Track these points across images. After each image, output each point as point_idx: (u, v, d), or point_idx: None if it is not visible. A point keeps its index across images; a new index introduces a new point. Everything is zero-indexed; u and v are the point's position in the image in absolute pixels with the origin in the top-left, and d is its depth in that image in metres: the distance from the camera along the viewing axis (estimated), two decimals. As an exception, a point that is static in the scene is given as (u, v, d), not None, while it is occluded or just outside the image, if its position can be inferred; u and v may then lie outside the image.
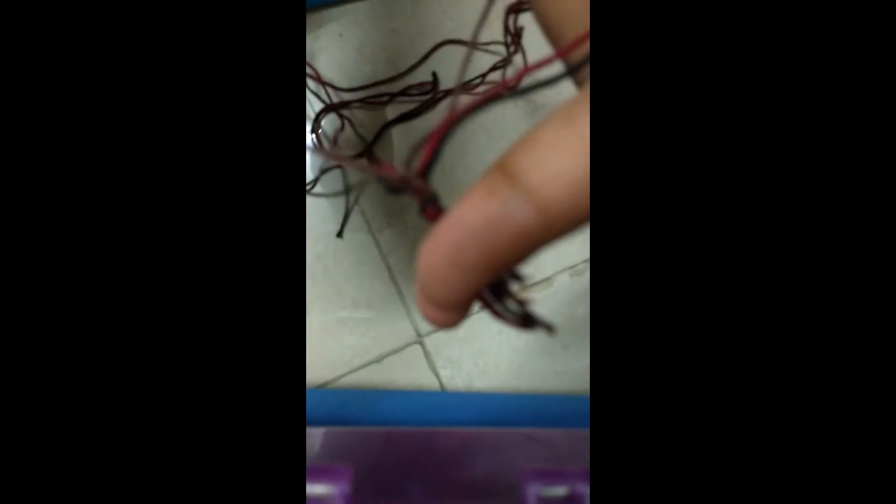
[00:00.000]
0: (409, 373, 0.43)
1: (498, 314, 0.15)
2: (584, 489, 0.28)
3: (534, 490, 0.28)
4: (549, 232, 0.13)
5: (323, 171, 0.38)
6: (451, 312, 0.15)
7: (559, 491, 0.28)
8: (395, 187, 0.15)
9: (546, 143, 0.13)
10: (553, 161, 0.12)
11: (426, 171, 0.15)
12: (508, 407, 0.41)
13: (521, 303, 0.15)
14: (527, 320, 0.15)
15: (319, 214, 0.43)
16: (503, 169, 0.13)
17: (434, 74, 0.44)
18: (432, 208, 0.15)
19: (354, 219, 0.43)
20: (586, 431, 0.36)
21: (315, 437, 0.35)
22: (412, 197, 0.15)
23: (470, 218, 0.13)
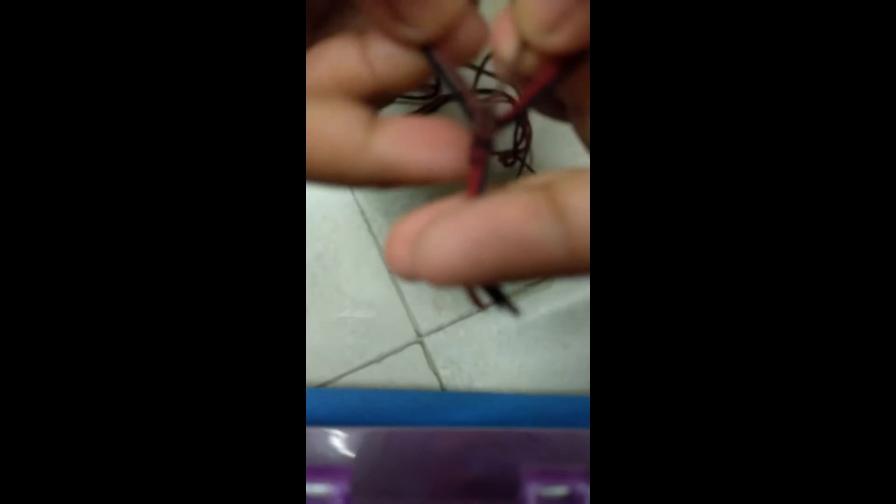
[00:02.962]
0: (409, 373, 0.43)
1: (477, 301, 0.15)
2: (584, 489, 0.28)
3: (534, 490, 0.28)
4: (571, 271, 0.13)
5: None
6: (424, 280, 0.14)
7: (559, 491, 0.28)
8: (466, 102, 0.15)
9: None
10: None
11: (509, 120, 0.15)
12: (508, 407, 0.41)
13: (506, 299, 0.15)
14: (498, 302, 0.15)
15: (320, 214, 0.43)
16: (553, 196, 0.13)
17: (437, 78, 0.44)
18: (481, 151, 0.15)
19: (354, 219, 0.43)
20: (586, 431, 0.36)
21: (315, 437, 0.35)
22: (472, 124, 0.15)
23: (504, 226, 0.13)
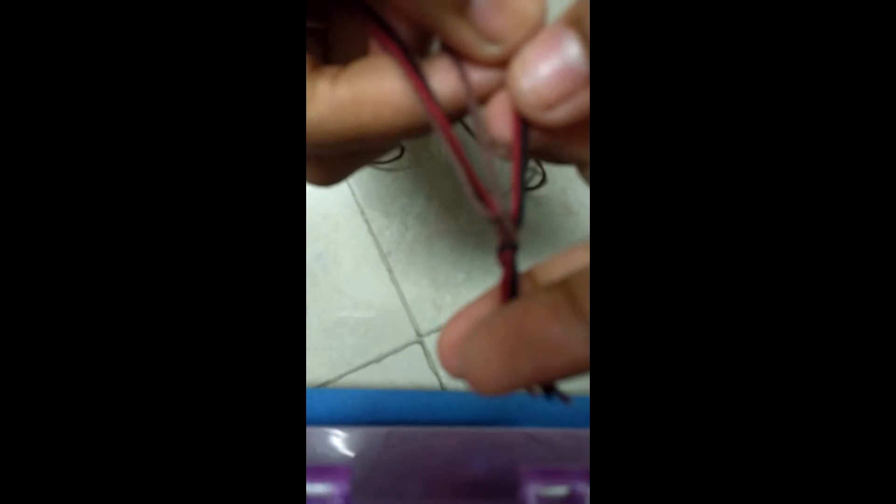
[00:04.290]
0: (409, 373, 0.43)
1: (530, 390, 0.16)
2: (584, 489, 0.28)
3: (534, 490, 0.28)
4: None
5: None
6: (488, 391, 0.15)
7: (559, 491, 0.28)
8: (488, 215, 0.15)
9: None
10: None
11: (518, 216, 0.15)
12: (508, 407, 0.41)
13: (556, 391, 0.16)
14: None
15: (320, 214, 0.43)
16: (571, 293, 0.13)
17: None
18: (509, 253, 0.15)
19: (354, 218, 0.43)
20: (586, 431, 0.36)
21: (315, 437, 0.35)
22: (497, 232, 0.15)
23: (532, 332, 0.13)
